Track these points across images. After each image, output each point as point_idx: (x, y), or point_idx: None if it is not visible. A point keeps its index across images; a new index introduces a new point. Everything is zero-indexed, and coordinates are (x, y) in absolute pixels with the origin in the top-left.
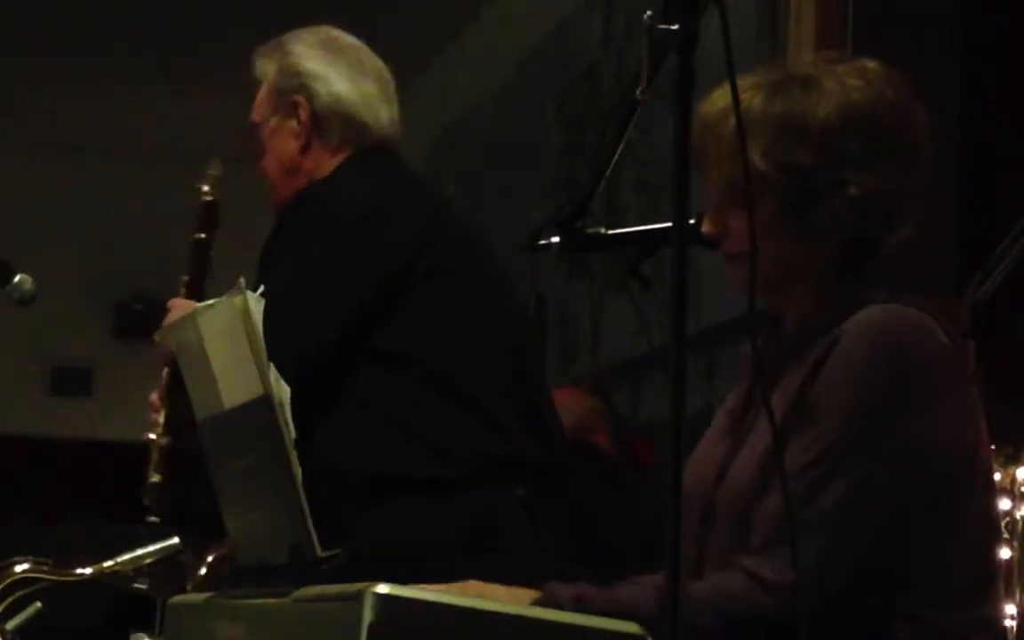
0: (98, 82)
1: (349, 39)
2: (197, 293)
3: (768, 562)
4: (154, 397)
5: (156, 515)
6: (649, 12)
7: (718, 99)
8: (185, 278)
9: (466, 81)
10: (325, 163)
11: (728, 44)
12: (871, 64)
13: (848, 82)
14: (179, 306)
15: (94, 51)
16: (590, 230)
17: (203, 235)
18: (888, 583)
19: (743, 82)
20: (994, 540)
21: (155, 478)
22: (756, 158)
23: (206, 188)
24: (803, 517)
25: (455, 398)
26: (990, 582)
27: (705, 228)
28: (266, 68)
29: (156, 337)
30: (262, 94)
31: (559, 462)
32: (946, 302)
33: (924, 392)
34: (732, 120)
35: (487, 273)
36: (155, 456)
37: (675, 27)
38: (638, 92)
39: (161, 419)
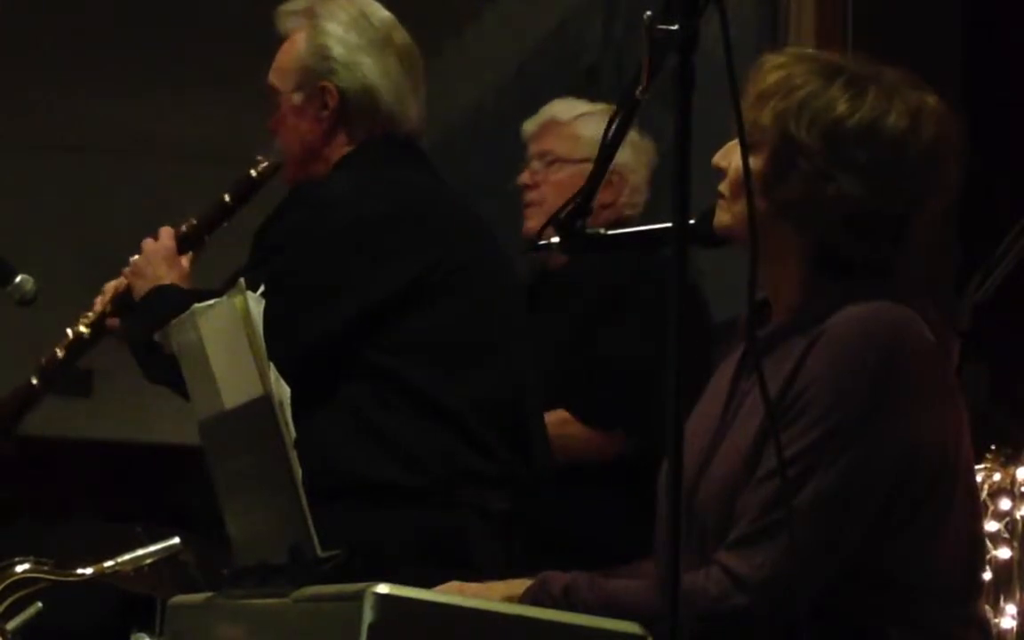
0: (99, 82)
1: (380, 13)
2: (192, 242)
3: (745, 558)
4: (108, 287)
5: (38, 379)
6: (649, 12)
7: (784, 55)
8: (193, 222)
9: (466, 81)
10: (344, 151)
11: (728, 44)
12: (931, 100)
13: (895, 105)
14: (164, 236)
15: (95, 51)
16: (590, 230)
17: (229, 200)
18: (875, 581)
19: (805, 49)
20: (978, 538)
21: (59, 352)
22: (767, 115)
23: (261, 166)
24: (780, 514)
25: (438, 414)
26: (976, 579)
27: (714, 159)
28: (292, 27)
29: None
30: (287, 61)
31: (544, 478)
32: (935, 300)
33: (910, 390)
34: (782, 74)
35: (491, 286)
36: (71, 337)
37: (675, 27)
38: (638, 92)
39: (98, 310)
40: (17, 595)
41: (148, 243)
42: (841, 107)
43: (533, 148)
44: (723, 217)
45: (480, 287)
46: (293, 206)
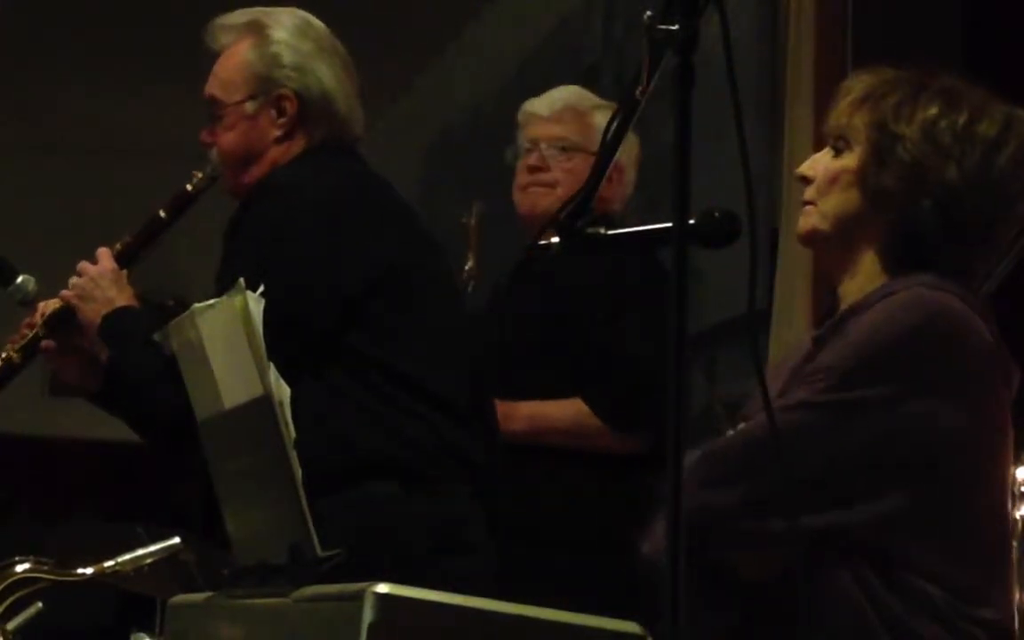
0: (99, 82)
1: (317, 22)
2: (128, 259)
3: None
4: (41, 307)
5: None
6: (649, 12)
7: (869, 72)
8: (128, 239)
9: (466, 81)
10: (293, 154)
11: (728, 44)
12: (1020, 112)
13: (987, 112)
14: (104, 257)
15: (95, 51)
16: (590, 230)
17: (164, 216)
18: (880, 560)
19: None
20: (996, 545)
21: None
22: (863, 116)
23: (196, 178)
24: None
25: (427, 399)
26: (994, 586)
27: (799, 168)
28: (230, 41)
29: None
30: (233, 71)
31: (505, 462)
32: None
33: (936, 371)
34: (872, 83)
35: (445, 276)
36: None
37: (675, 27)
38: (638, 92)
39: (30, 333)
40: (17, 595)
41: (89, 267)
42: (934, 109)
43: (543, 131)
44: (810, 220)
45: (439, 273)
46: (261, 199)
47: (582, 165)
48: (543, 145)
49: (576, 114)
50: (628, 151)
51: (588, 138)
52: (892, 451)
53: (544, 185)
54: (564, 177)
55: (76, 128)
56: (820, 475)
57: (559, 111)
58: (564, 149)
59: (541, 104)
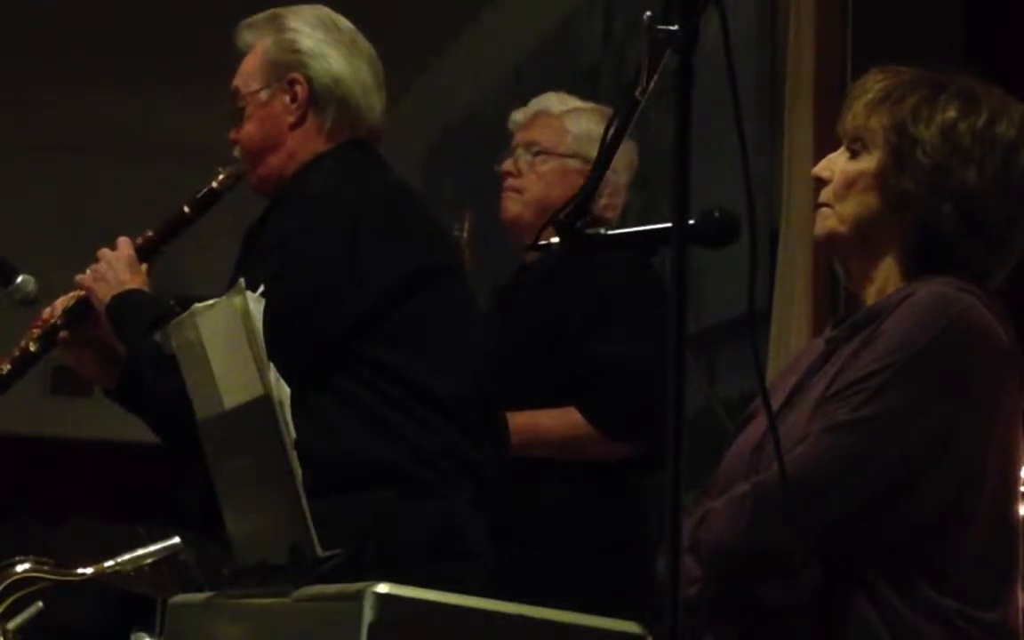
0: (99, 82)
1: (344, 21)
2: (148, 253)
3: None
4: (58, 303)
5: None
6: (649, 12)
7: (883, 71)
8: (150, 233)
9: (466, 81)
10: (311, 144)
11: (728, 44)
12: None
13: (1006, 115)
14: (123, 244)
15: (94, 51)
16: (590, 230)
17: (189, 212)
18: (893, 557)
19: (902, 68)
20: (1005, 550)
21: (5, 368)
22: (881, 119)
23: (221, 177)
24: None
25: (435, 406)
26: (1003, 589)
27: (815, 169)
28: (254, 39)
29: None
30: (251, 63)
31: (506, 468)
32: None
33: (956, 375)
34: (888, 84)
35: (458, 279)
36: (17, 352)
37: (675, 27)
38: (638, 92)
39: (48, 323)
40: (17, 595)
41: (107, 252)
42: (952, 112)
43: (520, 137)
44: (828, 223)
45: (456, 281)
46: (287, 205)
47: (553, 169)
48: (519, 150)
49: (548, 118)
50: (621, 158)
51: (559, 142)
52: (924, 458)
53: (513, 190)
54: (532, 182)
55: (76, 128)
56: (869, 494)
57: (532, 116)
58: (536, 154)
59: (520, 111)
